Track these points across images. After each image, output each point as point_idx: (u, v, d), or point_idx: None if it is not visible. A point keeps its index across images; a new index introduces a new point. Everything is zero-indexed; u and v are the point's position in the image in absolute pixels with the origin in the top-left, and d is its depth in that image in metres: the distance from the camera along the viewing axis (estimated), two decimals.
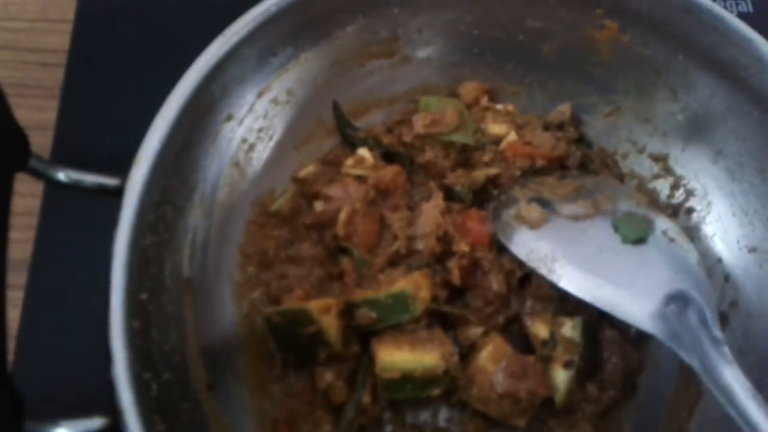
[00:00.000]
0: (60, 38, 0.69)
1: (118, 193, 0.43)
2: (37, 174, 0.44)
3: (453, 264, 0.52)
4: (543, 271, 0.51)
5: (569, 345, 0.50)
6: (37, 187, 0.59)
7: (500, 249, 0.53)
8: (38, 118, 0.64)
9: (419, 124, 0.57)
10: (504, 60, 0.61)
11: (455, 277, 0.51)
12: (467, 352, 0.50)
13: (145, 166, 0.44)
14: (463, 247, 0.52)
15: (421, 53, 0.61)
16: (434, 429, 0.51)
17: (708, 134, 0.57)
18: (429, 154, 0.57)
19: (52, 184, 0.45)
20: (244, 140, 0.55)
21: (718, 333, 0.46)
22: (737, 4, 0.73)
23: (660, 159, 0.59)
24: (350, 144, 0.59)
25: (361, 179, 0.56)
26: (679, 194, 0.58)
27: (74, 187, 0.45)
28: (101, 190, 0.44)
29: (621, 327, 0.52)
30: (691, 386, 0.52)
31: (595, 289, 0.50)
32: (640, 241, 0.52)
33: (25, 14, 0.71)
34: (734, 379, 0.43)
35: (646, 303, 0.48)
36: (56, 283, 0.57)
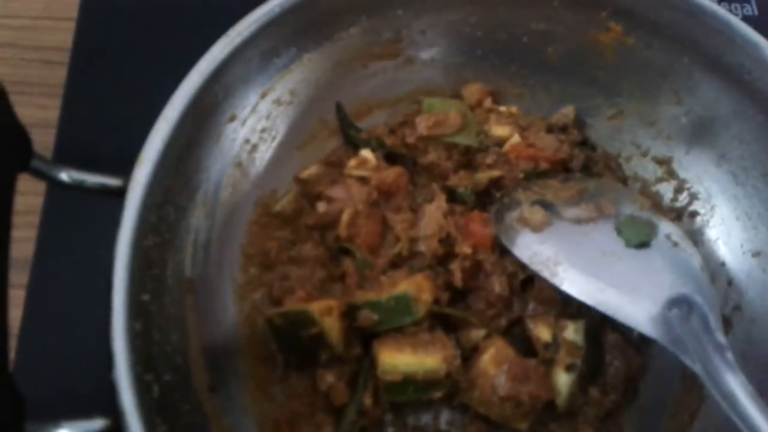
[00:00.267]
0: (63, 36, 0.68)
1: (120, 193, 0.43)
2: (39, 174, 0.44)
3: (455, 266, 0.51)
4: (545, 274, 0.51)
5: (571, 348, 0.50)
6: (39, 186, 0.59)
7: (503, 251, 0.53)
8: (41, 117, 0.64)
9: (422, 125, 0.57)
10: (508, 62, 0.61)
11: (457, 280, 0.51)
12: (469, 354, 0.50)
13: (147, 166, 0.44)
14: (465, 249, 0.51)
15: (425, 55, 0.61)
16: (436, 431, 0.51)
17: (712, 138, 0.57)
18: (432, 156, 0.57)
19: (54, 184, 0.45)
20: (247, 141, 0.55)
21: (721, 337, 0.46)
22: (742, 8, 0.73)
23: (664, 162, 0.59)
24: (353, 145, 0.59)
25: (363, 180, 0.55)
26: (683, 198, 0.58)
27: (77, 188, 0.45)
28: (104, 191, 0.44)
29: (623, 331, 0.52)
30: (693, 391, 0.51)
31: (597, 292, 0.49)
32: (643, 245, 0.52)
33: (29, 12, 0.71)
34: (737, 384, 0.43)
35: (648, 307, 0.48)
36: (58, 282, 0.57)
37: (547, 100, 0.62)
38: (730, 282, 0.54)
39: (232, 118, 0.53)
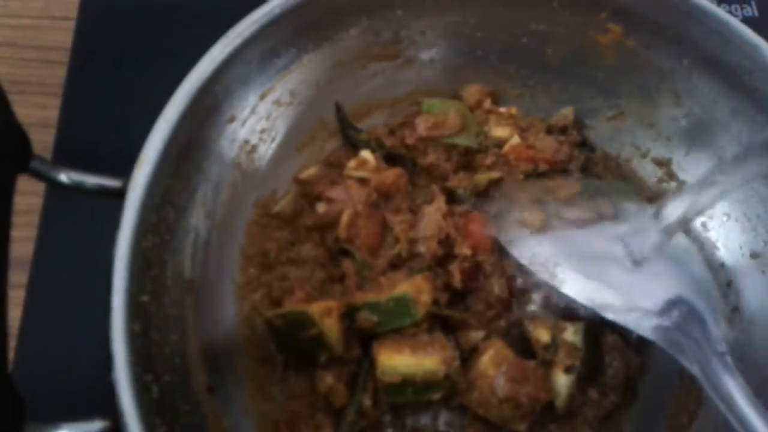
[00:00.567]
0: (63, 36, 0.68)
1: (120, 194, 0.43)
2: (38, 175, 0.44)
3: (454, 267, 0.51)
4: (544, 275, 0.51)
5: (570, 350, 0.50)
6: (38, 185, 0.59)
7: (502, 252, 0.53)
8: (40, 116, 0.64)
9: (422, 126, 0.57)
10: (507, 63, 0.61)
11: (456, 281, 0.51)
12: (468, 356, 0.50)
13: (147, 167, 0.44)
14: (464, 250, 0.51)
15: (424, 55, 0.61)
16: None
17: (711, 139, 0.57)
18: (431, 157, 0.57)
19: (53, 185, 0.45)
20: (247, 141, 0.55)
21: (719, 339, 0.46)
22: (742, 9, 0.73)
23: (663, 163, 0.59)
24: (352, 146, 0.59)
25: (363, 181, 0.55)
26: None
27: (76, 189, 0.45)
28: (103, 192, 0.44)
29: (622, 332, 0.52)
30: (692, 392, 0.51)
31: (596, 294, 0.49)
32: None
33: (28, 11, 0.71)
34: (735, 386, 0.43)
35: (647, 309, 0.48)
36: (57, 282, 0.57)
37: (546, 101, 0.62)
38: (729, 283, 0.54)
39: (232, 119, 0.53)
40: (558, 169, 0.58)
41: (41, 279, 0.57)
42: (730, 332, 0.52)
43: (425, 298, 0.48)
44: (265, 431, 0.49)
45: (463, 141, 0.57)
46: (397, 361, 0.47)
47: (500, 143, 0.58)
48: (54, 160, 0.58)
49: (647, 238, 0.49)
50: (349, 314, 0.49)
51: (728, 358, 0.44)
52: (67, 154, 0.61)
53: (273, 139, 0.57)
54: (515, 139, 0.58)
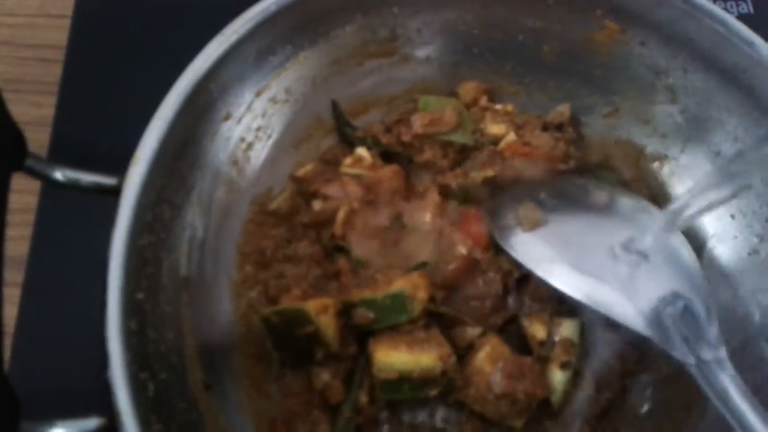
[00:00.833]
0: (58, 34, 0.68)
1: (115, 192, 0.43)
2: (34, 173, 0.44)
3: (451, 264, 0.51)
4: (539, 272, 0.51)
5: (566, 346, 0.50)
6: (34, 184, 0.59)
7: (498, 249, 0.53)
8: (36, 114, 0.64)
9: (418, 123, 0.57)
10: (503, 60, 0.61)
11: (453, 278, 0.51)
12: (464, 352, 0.50)
13: (142, 165, 0.44)
14: (461, 249, 0.51)
15: (420, 53, 0.61)
16: (431, 429, 0.51)
17: (707, 136, 0.57)
18: (428, 154, 0.57)
19: (49, 183, 0.45)
20: (243, 139, 0.55)
21: (714, 335, 0.46)
22: (738, 6, 0.73)
23: (659, 160, 0.59)
24: (349, 143, 0.59)
25: (359, 178, 0.56)
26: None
27: (71, 187, 0.44)
28: (99, 190, 0.44)
29: (619, 328, 0.52)
30: (689, 388, 0.51)
31: (590, 290, 0.50)
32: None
33: (24, 10, 0.71)
34: (730, 382, 0.43)
35: (642, 305, 0.48)
36: (53, 281, 0.57)
37: (542, 98, 0.62)
38: (724, 279, 0.54)
39: (228, 117, 0.53)
40: (554, 166, 0.57)
41: (37, 277, 0.57)
42: (725, 328, 0.52)
43: (421, 294, 0.48)
44: (262, 428, 0.49)
45: (459, 138, 0.57)
46: (394, 357, 0.47)
47: (496, 140, 0.58)
48: (49, 159, 0.58)
49: (644, 235, 0.49)
50: (345, 311, 0.49)
51: (723, 353, 0.44)
52: (62, 152, 0.61)
53: (269, 137, 0.57)
54: (511, 136, 0.58)
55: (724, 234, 0.56)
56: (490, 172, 0.56)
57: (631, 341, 0.53)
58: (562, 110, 0.61)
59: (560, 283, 0.50)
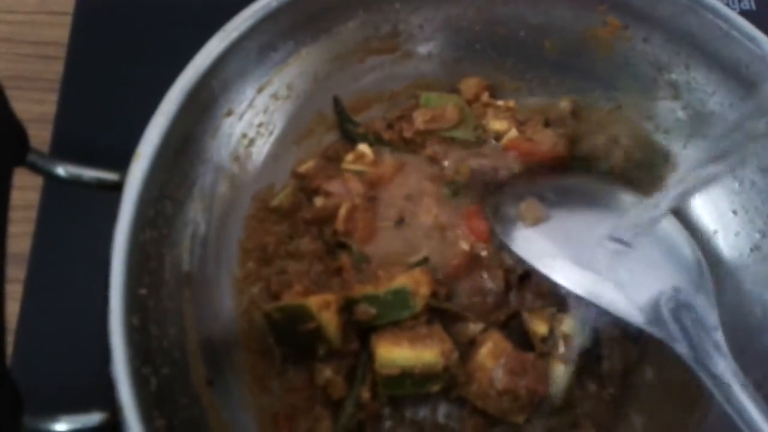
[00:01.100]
0: (60, 31, 0.68)
1: (117, 187, 0.43)
2: (36, 169, 0.44)
3: (453, 260, 0.51)
4: (541, 267, 0.51)
5: (568, 342, 0.50)
6: (36, 180, 0.59)
7: (499, 245, 0.53)
8: (37, 111, 0.64)
9: (420, 119, 0.57)
10: (505, 56, 0.61)
11: (455, 274, 0.51)
12: (466, 348, 0.50)
13: (144, 161, 0.44)
14: (463, 246, 0.51)
15: (422, 49, 0.61)
16: (433, 425, 0.51)
17: (709, 131, 0.57)
18: (429, 150, 0.57)
19: (51, 179, 0.45)
20: (244, 135, 0.55)
21: (716, 330, 0.46)
22: (740, 2, 0.73)
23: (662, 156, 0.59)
24: (350, 139, 0.59)
25: (361, 175, 0.56)
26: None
27: (73, 182, 0.44)
28: (101, 185, 0.44)
29: (620, 323, 0.52)
30: (692, 383, 0.51)
31: (592, 285, 0.50)
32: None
33: (25, 7, 0.71)
34: (732, 377, 0.43)
35: (643, 299, 0.48)
36: (55, 277, 0.57)
37: (544, 94, 0.62)
38: (726, 275, 0.54)
39: (229, 113, 0.53)
40: (555, 162, 0.57)
41: (39, 274, 0.57)
42: (727, 324, 0.52)
43: (423, 290, 0.48)
44: (264, 424, 0.49)
45: (461, 134, 0.57)
46: (396, 353, 0.47)
47: (498, 136, 0.58)
48: (51, 155, 0.58)
49: (640, 225, 0.49)
50: (347, 307, 0.49)
51: (725, 348, 0.44)
52: (64, 149, 0.61)
53: (271, 133, 0.57)
54: (513, 132, 0.58)
55: (726, 230, 0.56)
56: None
57: (633, 336, 0.53)
58: (563, 104, 0.61)
59: (562, 279, 0.50)
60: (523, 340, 0.52)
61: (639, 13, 0.56)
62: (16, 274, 0.56)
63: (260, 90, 0.55)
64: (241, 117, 0.54)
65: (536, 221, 0.53)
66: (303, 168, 0.57)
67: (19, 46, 0.69)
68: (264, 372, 0.50)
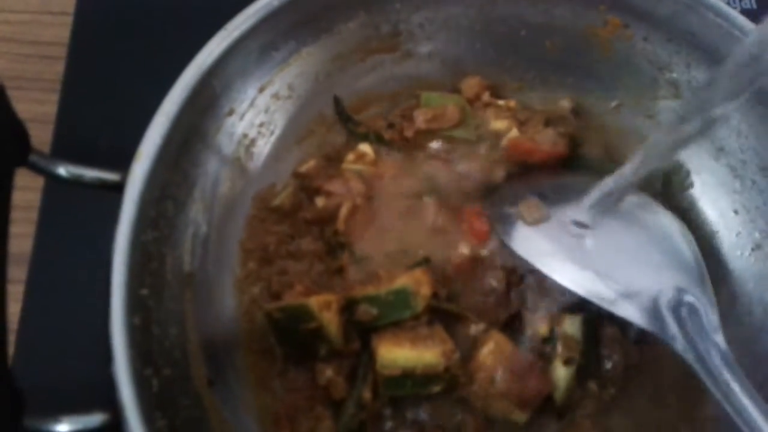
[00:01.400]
0: (61, 31, 0.68)
1: (118, 188, 0.43)
2: (37, 169, 0.44)
3: (454, 260, 0.51)
4: (542, 267, 0.51)
5: (569, 342, 0.50)
6: (37, 181, 0.59)
7: (500, 245, 0.53)
8: (38, 111, 0.64)
9: (421, 119, 0.57)
10: (506, 55, 0.61)
11: (456, 274, 0.51)
12: (468, 349, 0.50)
13: (146, 161, 0.44)
14: (464, 250, 0.52)
15: (423, 48, 0.61)
16: (434, 425, 0.51)
17: (710, 131, 0.57)
18: (430, 150, 0.57)
19: (52, 179, 0.45)
20: (246, 135, 0.55)
21: (716, 330, 0.46)
22: (740, 1, 0.73)
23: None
24: (354, 137, 0.59)
25: (362, 174, 0.56)
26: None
27: (75, 182, 0.44)
28: (102, 186, 0.44)
29: (621, 324, 0.52)
30: (693, 383, 0.51)
31: (592, 285, 0.49)
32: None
33: (26, 7, 0.71)
34: (732, 377, 0.43)
35: (644, 299, 0.48)
36: (56, 277, 0.57)
37: (545, 93, 0.62)
38: (727, 275, 0.54)
39: (231, 113, 0.53)
40: (556, 162, 0.57)
41: (40, 274, 0.57)
42: (728, 324, 0.52)
43: (425, 290, 0.48)
44: (266, 424, 0.49)
45: (461, 134, 0.57)
46: (397, 354, 0.47)
47: (499, 136, 0.58)
48: (52, 155, 0.58)
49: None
50: (348, 307, 0.49)
51: (726, 348, 0.44)
52: (65, 149, 0.61)
53: (272, 133, 0.57)
54: (514, 132, 0.58)
55: (727, 230, 0.56)
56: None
57: (634, 336, 0.53)
58: (563, 103, 0.61)
59: (562, 278, 0.50)
60: (524, 340, 0.52)
61: (639, 12, 0.56)
62: (18, 274, 0.56)
63: (261, 90, 0.55)
64: (242, 117, 0.54)
65: (536, 221, 0.53)
66: (304, 168, 0.57)
67: (20, 46, 0.69)
68: (265, 372, 0.50)
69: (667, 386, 0.53)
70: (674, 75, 0.57)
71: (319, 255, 0.53)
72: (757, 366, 0.49)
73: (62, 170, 0.44)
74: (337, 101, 0.59)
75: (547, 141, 0.57)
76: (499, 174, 0.56)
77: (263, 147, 0.56)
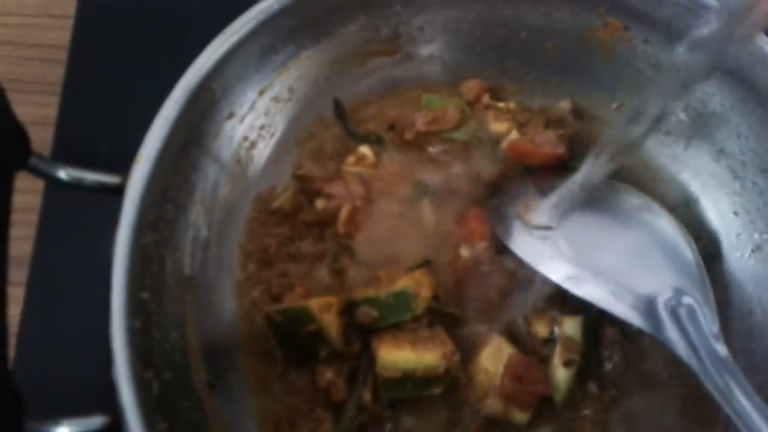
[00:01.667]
0: (61, 34, 0.68)
1: (119, 191, 0.43)
2: (37, 172, 0.44)
3: (454, 262, 0.51)
4: (542, 269, 0.51)
5: (570, 344, 0.50)
6: (37, 184, 0.59)
7: (501, 247, 0.53)
8: (39, 114, 0.64)
9: (421, 121, 0.57)
10: (506, 58, 0.61)
11: (456, 276, 0.51)
12: (468, 351, 0.50)
13: (146, 164, 0.44)
14: (464, 246, 0.51)
15: (423, 51, 0.61)
16: (435, 427, 0.51)
17: (710, 133, 0.57)
18: (430, 152, 0.57)
19: (52, 182, 0.45)
20: (246, 138, 0.55)
21: (715, 332, 0.46)
22: None
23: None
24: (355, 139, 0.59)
25: (362, 176, 0.56)
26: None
27: (75, 185, 0.45)
28: (102, 189, 0.44)
29: (621, 325, 0.52)
30: (693, 384, 0.52)
31: (592, 286, 0.50)
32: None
33: (26, 10, 0.71)
34: (732, 379, 0.43)
35: (643, 301, 0.48)
36: (57, 280, 0.57)
37: (545, 95, 0.62)
38: (727, 276, 0.54)
39: (231, 116, 0.53)
40: (556, 164, 0.57)
41: (40, 277, 0.57)
42: (728, 325, 0.52)
43: (425, 292, 0.48)
44: (266, 427, 0.49)
45: (461, 136, 0.57)
46: (397, 356, 0.47)
47: (499, 138, 0.58)
48: (52, 158, 0.58)
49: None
50: (348, 309, 0.49)
51: (725, 349, 0.44)
52: (65, 152, 0.61)
53: (272, 135, 0.57)
54: (514, 134, 0.58)
55: (727, 231, 0.56)
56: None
57: (634, 338, 0.53)
58: (563, 105, 0.61)
59: (562, 279, 0.50)
60: (524, 342, 0.51)
61: (640, 14, 0.56)
62: (18, 277, 0.56)
63: (261, 93, 0.55)
64: (242, 120, 0.54)
65: (537, 223, 0.53)
66: (304, 170, 0.57)
67: (20, 49, 0.69)
68: (265, 375, 0.50)
69: (669, 386, 0.53)
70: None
71: (319, 257, 0.53)
72: (757, 368, 0.49)
73: (62, 173, 0.44)
74: (337, 103, 0.59)
75: (547, 143, 0.57)
76: (499, 176, 0.56)
77: (263, 150, 0.56)
